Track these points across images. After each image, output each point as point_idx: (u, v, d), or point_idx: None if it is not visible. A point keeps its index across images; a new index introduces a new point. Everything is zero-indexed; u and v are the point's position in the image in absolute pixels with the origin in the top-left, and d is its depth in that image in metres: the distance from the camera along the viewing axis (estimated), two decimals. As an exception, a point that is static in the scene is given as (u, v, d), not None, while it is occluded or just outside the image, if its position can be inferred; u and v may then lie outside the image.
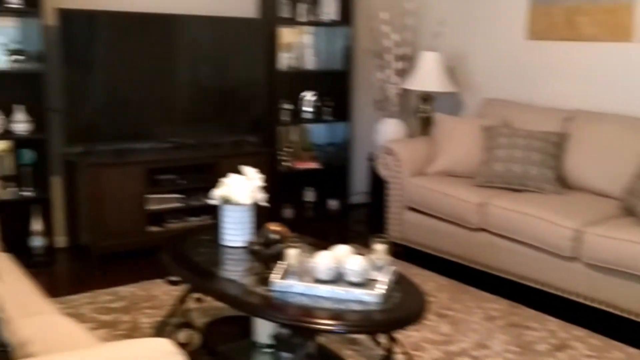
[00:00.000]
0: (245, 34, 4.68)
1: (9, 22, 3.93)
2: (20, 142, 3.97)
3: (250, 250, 2.71)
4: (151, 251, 3.97)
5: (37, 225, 3.99)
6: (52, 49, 3.91)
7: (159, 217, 4.29)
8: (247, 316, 2.75)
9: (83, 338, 1.85)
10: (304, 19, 4.93)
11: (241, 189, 2.89)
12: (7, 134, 3.88)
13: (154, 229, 4.26)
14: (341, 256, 2.48)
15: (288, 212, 5.03)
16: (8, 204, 3.85)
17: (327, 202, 5.31)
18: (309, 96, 5.11)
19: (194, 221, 4.40)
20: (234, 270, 2.72)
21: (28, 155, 3.96)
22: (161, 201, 4.28)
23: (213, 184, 4.17)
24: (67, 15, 3.93)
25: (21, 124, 3.88)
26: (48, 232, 4.05)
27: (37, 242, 3.99)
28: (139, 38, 4.28)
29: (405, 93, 5.19)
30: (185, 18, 4.44)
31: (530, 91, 4.56)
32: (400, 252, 4.17)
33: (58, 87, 3.98)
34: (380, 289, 2.35)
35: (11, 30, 3.94)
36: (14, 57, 3.85)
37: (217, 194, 2.90)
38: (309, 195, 5.29)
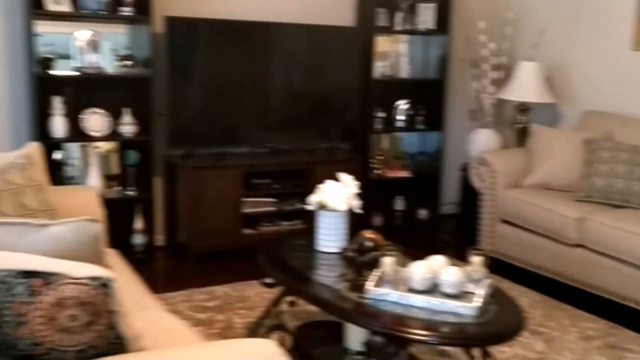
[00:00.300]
0: (341, 42, 4.73)
1: (120, 29, 4.14)
2: (125, 144, 4.17)
3: (344, 257, 2.74)
4: (245, 253, 4.08)
5: (139, 223, 4.17)
6: (159, 55, 4.09)
7: (253, 220, 4.40)
8: (339, 322, 2.78)
9: (187, 335, 1.93)
10: (400, 28, 4.94)
11: (337, 195, 2.92)
12: (114, 136, 4.09)
13: (248, 231, 4.37)
14: (436, 267, 2.47)
15: (377, 220, 5.04)
16: (113, 203, 4.04)
17: (416, 211, 5.28)
18: (402, 104, 5.11)
19: (285, 225, 4.49)
20: (328, 276, 2.75)
21: (133, 156, 4.15)
22: (256, 204, 4.38)
23: (306, 189, 4.25)
24: (174, 23, 4.10)
25: (127, 126, 4.08)
26: (149, 230, 4.23)
27: (138, 239, 4.17)
28: (237, 45, 4.40)
29: (500, 103, 5.10)
30: (283, 26, 4.54)
31: (634, 104, 4.39)
32: (492, 265, 4.09)
33: (162, 91, 4.15)
34: (477, 301, 2.33)
35: (122, 37, 4.15)
36: (123, 62, 4.06)
37: (314, 199, 2.95)
38: (399, 204, 5.27)
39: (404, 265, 2.52)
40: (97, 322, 1.43)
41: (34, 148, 2.59)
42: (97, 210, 2.74)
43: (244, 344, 1.52)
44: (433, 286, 2.43)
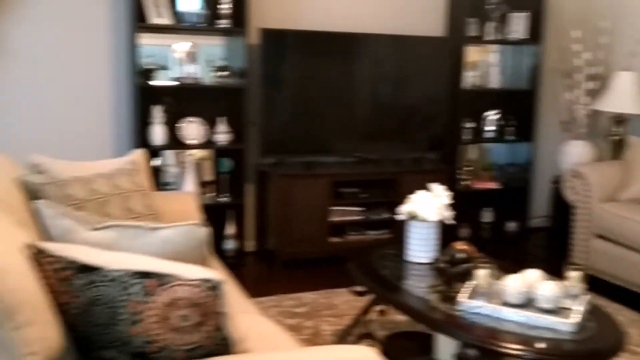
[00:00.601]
0: (430, 52, 4.72)
1: (217, 41, 4.29)
2: (220, 152, 4.30)
3: (435, 268, 2.74)
4: (332, 261, 4.13)
5: (230, 229, 4.29)
6: (253, 66, 4.21)
7: (340, 229, 4.44)
8: (427, 333, 2.77)
9: (285, 340, 1.97)
10: (491, 38, 4.88)
11: (428, 205, 2.92)
12: (209, 144, 4.23)
13: (335, 239, 4.42)
14: (532, 281, 2.43)
15: (464, 232, 4.98)
16: (206, 208, 4.16)
17: (504, 224, 5.18)
18: (492, 115, 5.03)
19: (372, 235, 4.51)
20: (419, 286, 2.75)
21: (227, 163, 4.29)
22: (343, 213, 4.43)
23: (392, 199, 4.26)
24: (268, 35, 4.21)
25: (222, 134, 4.21)
26: (239, 236, 4.34)
27: (229, 245, 4.29)
28: (327, 56, 4.47)
29: (595, 114, 4.95)
30: (372, 37, 4.57)
31: None
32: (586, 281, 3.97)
33: (255, 101, 4.27)
34: (575, 318, 2.28)
35: (218, 49, 4.29)
36: (219, 73, 4.19)
37: (404, 209, 2.96)
38: (487, 216, 5.19)
39: (497, 278, 2.49)
40: (207, 323, 1.49)
41: (139, 155, 2.72)
42: (196, 216, 2.85)
43: (344, 350, 1.55)
44: (528, 300, 2.39)
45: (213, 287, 1.48)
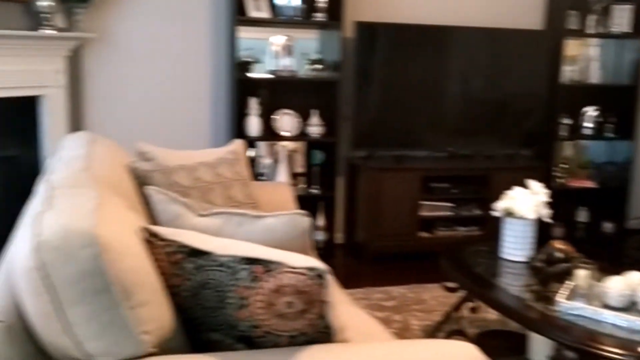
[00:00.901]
0: (527, 46, 4.61)
1: (312, 34, 4.34)
2: (312, 144, 4.36)
3: (531, 266, 2.68)
4: (420, 255, 4.12)
5: (320, 221, 4.34)
6: (347, 59, 4.23)
7: (429, 224, 4.42)
8: (520, 333, 2.72)
9: (382, 331, 1.99)
10: (592, 31, 4.71)
11: (525, 202, 2.86)
12: (302, 136, 4.29)
13: (424, 234, 4.39)
14: (635, 283, 2.35)
15: (558, 231, 4.84)
16: (298, 200, 4.23)
17: (601, 224, 5.01)
18: (590, 111, 4.87)
19: (462, 231, 4.46)
20: (514, 284, 2.70)
21: (318, 156, 4.34)
22: (433, 208, 4.39)
23: (484, 195, 4.20)
24: (363, 28, 4.22)
25: (315, 127, 4.26)
26: (329, 228, 4.39)
27: (319, 236, 4.34)
28: (421, 49, 4.44)
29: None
30: (467, 30, 4.51)
31: None
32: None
33: (348, 95, 4.29)
34: (683, 324, 2.18)
35: (312, 42, 4.35)
36: (314, 66, 4.24)
37: (501, 206, 2.91)
38: (582, 215, 5.03)
39: (597, 279, 2.42)
40: (310, 310, 1.53)
41: (239, 145, 2.80)
42: (292, 206, 2.90)
43: (446, 345, 1.55)
44: (630, 304, 2.31)
45: (318, 276, 1.51)
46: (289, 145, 4.37)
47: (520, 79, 4.64)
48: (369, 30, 4.27)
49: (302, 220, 1.82)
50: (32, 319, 1.37)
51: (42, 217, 1.39)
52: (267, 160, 4.33)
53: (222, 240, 1.69)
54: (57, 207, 1.46)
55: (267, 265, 1.53)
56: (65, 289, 1.30)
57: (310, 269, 1.51)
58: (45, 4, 3.20)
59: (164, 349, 1.46)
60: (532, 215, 2.85)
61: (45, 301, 1.30)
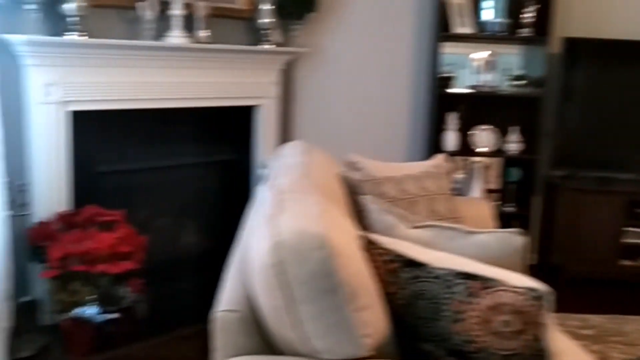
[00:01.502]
0: None
1: (514, 50, 4.26)
2: (509, 161, 4.27)
3: None
4: (622, 284, 3.88)
5: (514, 239, 4.23)
6: (551, 76, 4.10)
7: (633, 251, 4.14)
8: None
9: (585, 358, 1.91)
10: None
11: None
12: (499, 152, 4.22)
13: (627, 262, 4.13)
14: None
15: None
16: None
17: None
18: None
19: (670, 261, 4.13)
20: None
21: (515, 173, 4.24)
22: (638, 235, 4.11)
23: None
24: (571, 44, 4.07)
25: (513, 144, 4.18)
26: (523, 247, 4.26)
27: (512, 255, 4.23)
28: (631, 66, 4.18)
29: None
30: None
31: None
32: None
33: (550, 111, 4.15)
34: None
35: (515, 57, 4.26)
36: (516, 82, 4.16)
37: None
38: None
39: None
40: (527, 331, 1.51)
41: (442, 159, 2.83)
42: (491, 223, 2.87)
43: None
44: None
45: (538, 297, 1.50)
46: (483, 160, 4.31)
47: None
48: (576, 46, 4.10)
49: (517, 239, 1.81)
50: (263, 312, 1.47)
51: (278, 219, 1.49)
52: (460, 175, 4.31)
53: (436, 252, 1.73)
54: (289, 210, 1.56)
55: (484, 282, 1.54)
56: (298, 287, 1.37)
57: (530, 289, 1.50)
58: (266, 20, 3.45)
59: (379, 354, 1.52)
60: None
61: (277, 297, 1.39)
